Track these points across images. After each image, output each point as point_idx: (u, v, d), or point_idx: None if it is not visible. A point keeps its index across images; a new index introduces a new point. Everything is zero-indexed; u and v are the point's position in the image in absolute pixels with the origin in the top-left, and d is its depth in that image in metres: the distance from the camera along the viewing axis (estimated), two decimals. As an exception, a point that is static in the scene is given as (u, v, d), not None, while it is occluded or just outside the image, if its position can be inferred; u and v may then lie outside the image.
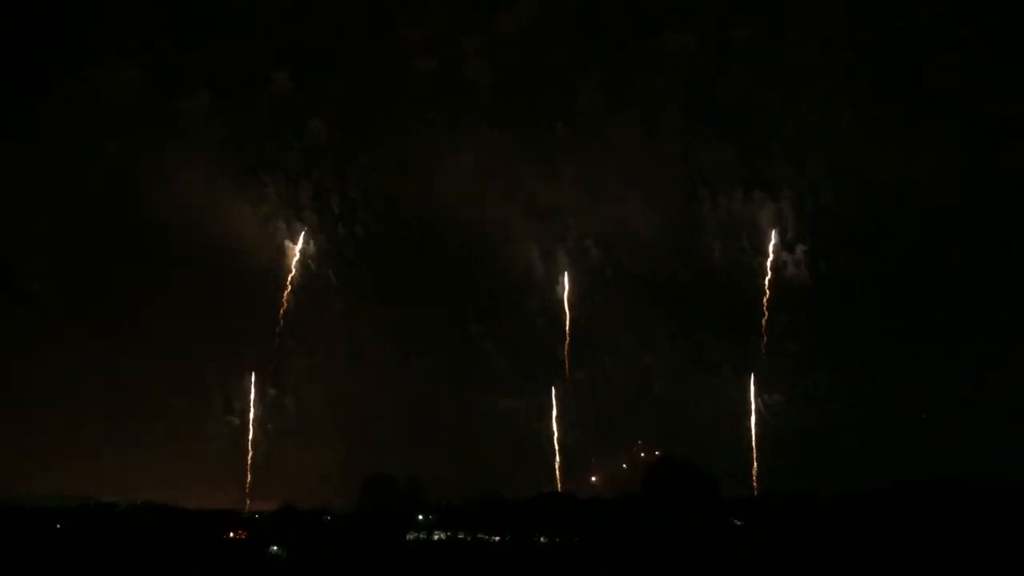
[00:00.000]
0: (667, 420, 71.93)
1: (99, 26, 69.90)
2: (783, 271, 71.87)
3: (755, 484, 68.38)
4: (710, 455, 66.34)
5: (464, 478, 68.91)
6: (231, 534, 64.96)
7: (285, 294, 72.58)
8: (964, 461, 64.87)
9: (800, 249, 72.10)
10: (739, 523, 62.69)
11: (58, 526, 64.50)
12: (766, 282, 70.71)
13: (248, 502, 69.52)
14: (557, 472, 69.69)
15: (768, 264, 71.11)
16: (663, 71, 71.75)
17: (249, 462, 68.89)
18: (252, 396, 70.35)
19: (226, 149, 72.59)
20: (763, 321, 70.29)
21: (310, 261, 73.21)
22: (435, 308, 73.66)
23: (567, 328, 71.76)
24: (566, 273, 72.55)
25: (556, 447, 70.57)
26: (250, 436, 69.63)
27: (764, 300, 70.58)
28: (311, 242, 73.15)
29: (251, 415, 70.10)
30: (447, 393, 74.28)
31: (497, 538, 64.11)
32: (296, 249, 72.76)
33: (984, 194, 67.00)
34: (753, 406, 69.85)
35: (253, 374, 70.84)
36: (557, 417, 71.04)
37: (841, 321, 71.22)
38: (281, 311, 72.26)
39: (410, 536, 64.82)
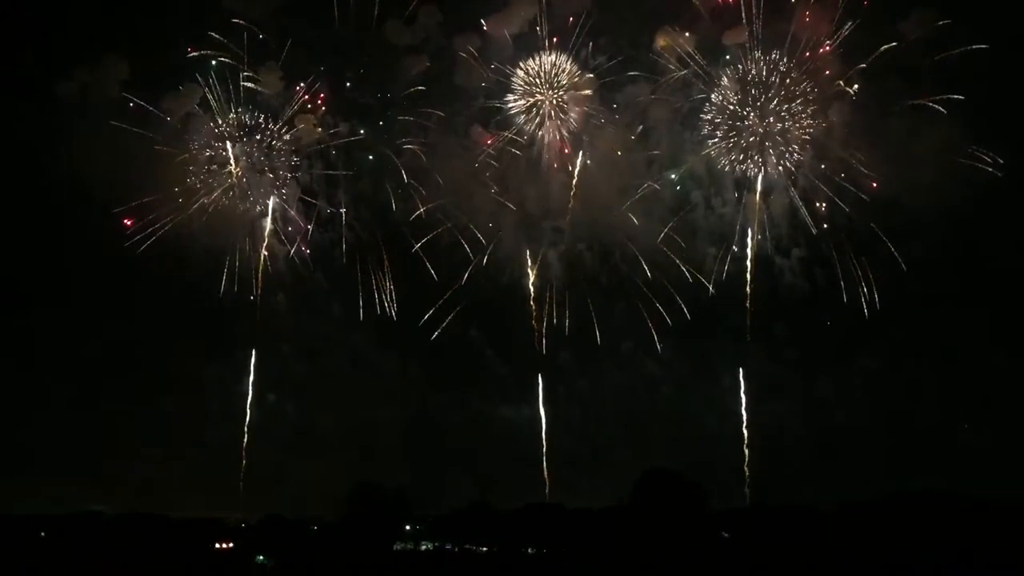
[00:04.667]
0: (663, 429, 71.60)
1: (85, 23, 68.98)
2: (780, 277, 71.40)
3: (747, 495, 68.07)
4: (705, 466, 66.11)
5: (459, 487, 68.83)
6: (217, 544, 65.07)
7: (278, 297, 72.33)
8: (964, 472, 64.52)
9: (795, 255, 71.56)
10: (726, 535, 62.63)
11: (43, 534, 64.81)
12: (748, 288, 70.30)
13: (239, 510, 69.19)
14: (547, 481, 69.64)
15: (756, 270, 70.62)
16: (656, 75, 70.78)
17: (242, 470, 68.75)
18: (249, 402, 70.21)
19: (214, 149, 71.64)
20: (748, 326, 69.99)
21: (299, 264, 72.70)
22: (430, 313, 72.35)
23: (565, 334, 71.46)
24: (559, 278, 71.99)
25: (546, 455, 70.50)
26: (244, 443, 69.42)
27: (748, 305, 70.15)
28: (302, 245, 72.52)
29: (246, 421, 69.79)
30: (444, 400, 74.00)
31: (485, 549, 64.18)
32: (290, 251, 72.16)
33: (988, 198, 66.04)
34: (745, 417, 69.63)
35: (246, 380, 70.70)
36: (552, 425, 70.97)
37: (841, 328, 70.42)
38: (272, 315, 72.10)
39: (397, 546, 64.91)
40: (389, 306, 71.52)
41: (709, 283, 70.43)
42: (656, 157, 71.22)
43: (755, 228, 70.71)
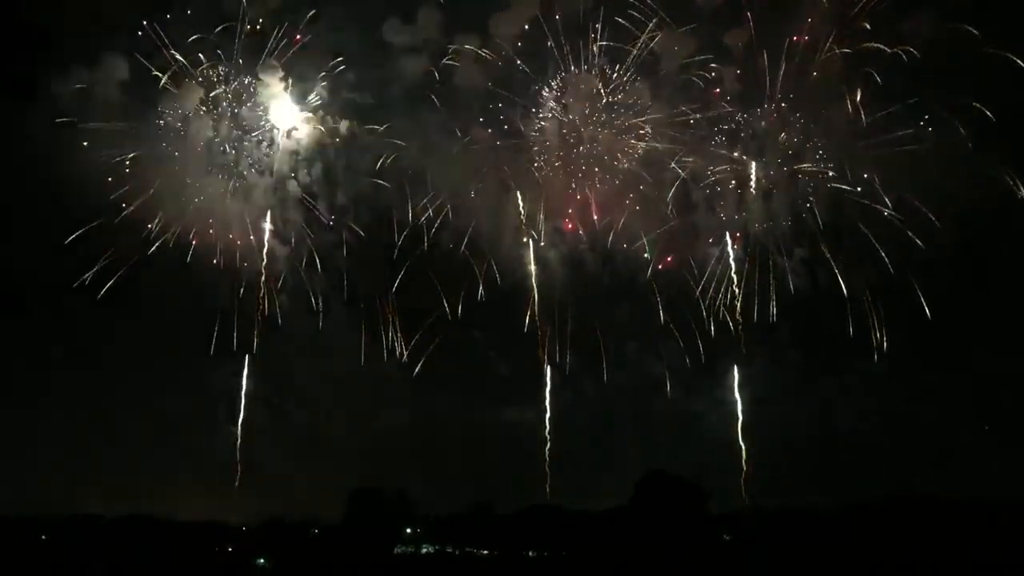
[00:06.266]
0: (664, 431, 71.49)
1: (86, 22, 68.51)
2: (782, 277, 71.01)
3: (748, 498, 68.00)
4: (706, 468, 66.32)
5: (460, 491, 68.75)
6: (216, 547, 65.11)
7: (277, 300, 72.14)
8: (965, 474, 64.77)
9: (798, 254, 71.40)
10: (727, 537, 62.82)
11: (43, 537, 64.81)
12: (745, 289, 70.16)
13: (239, 513, 69.11)
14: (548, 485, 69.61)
15: (756, 270, 70.22)
16: (657, 75, 70.60)
17: (239, 473, 68.57)
18: (250, 404, 70.01)
19: (213, 149, 71.40)
20: (739, 329, 69.81)
21: (300, 265, 72.33)
22: (432, 316, 71.88)
23: (567, 336, 71.03)
24: (561, 280, 71.80)
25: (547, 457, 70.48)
26: (244, 445, 69.32)
27: (746, 307, 70.09)
28: (301, 247, 72.04)
29: (241, 424, 69.65)
30: (446, 403, 73.50)
31: (486, 552, 64.24)
32: (290, 253, 71.86)
33: (991, 203, 65.91)
34: (745, 419, 69.67)
35: (247, 382, 70.40)
36: (554, 427, 70.42)
37: (844, 330, 69.90)
38: (266, 317, 71.95)
39: (398, 549, 64.95)
40: (391, 308, 71.59)
41: (711, 285, 70.52)
42: (657, 158, 70.97)
43: (755, 228, 70.88)
